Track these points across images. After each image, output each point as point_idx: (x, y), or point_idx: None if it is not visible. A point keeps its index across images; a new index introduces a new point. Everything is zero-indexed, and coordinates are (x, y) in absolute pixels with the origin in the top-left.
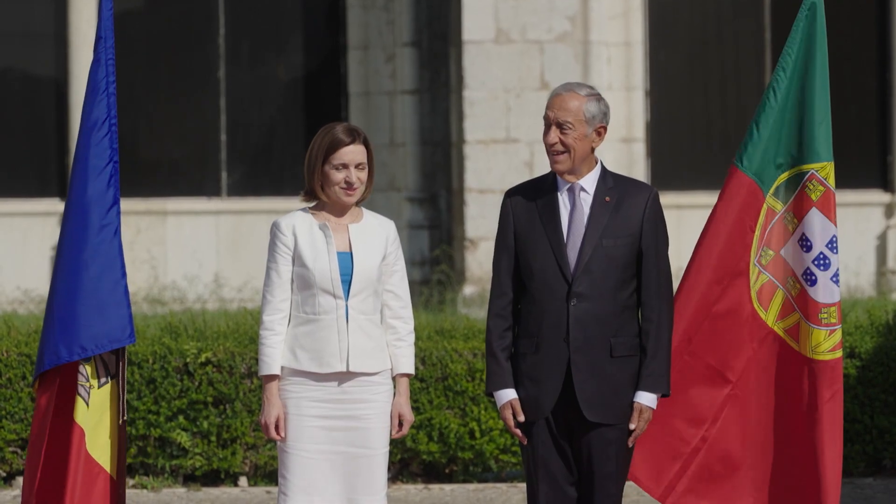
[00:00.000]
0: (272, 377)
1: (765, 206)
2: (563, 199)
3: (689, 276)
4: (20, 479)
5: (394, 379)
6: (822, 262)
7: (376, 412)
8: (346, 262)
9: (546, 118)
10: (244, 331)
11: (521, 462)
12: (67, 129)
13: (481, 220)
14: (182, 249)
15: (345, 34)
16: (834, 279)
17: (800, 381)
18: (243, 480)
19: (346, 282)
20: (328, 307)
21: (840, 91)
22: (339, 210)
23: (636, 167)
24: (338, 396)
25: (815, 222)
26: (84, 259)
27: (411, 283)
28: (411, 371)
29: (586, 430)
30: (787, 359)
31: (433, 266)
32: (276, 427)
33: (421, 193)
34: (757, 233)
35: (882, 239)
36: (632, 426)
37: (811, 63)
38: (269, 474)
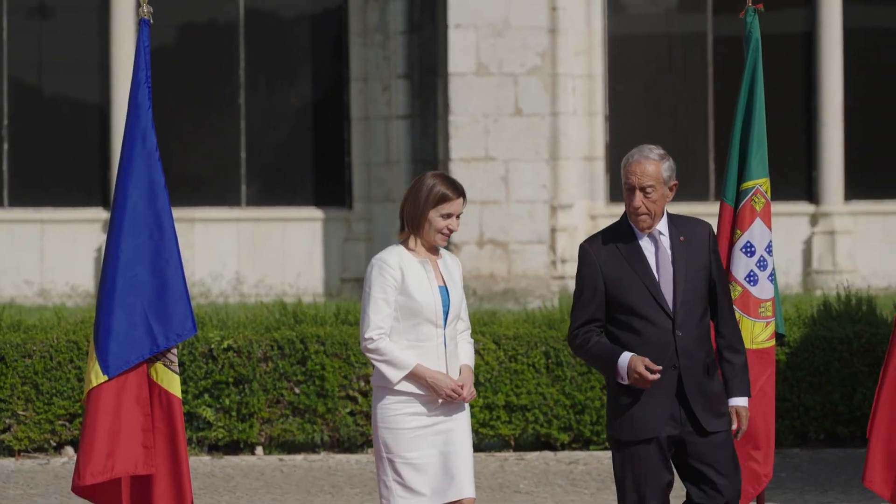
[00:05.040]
0: (415, 369)
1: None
2: (646, 244)
3: None
4: (69, 448)
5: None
6: (762, 263)
7: (464, 415)
8: (444, 295)
9: (629, 183)
10: (261, 321)
11: (613, 469)
12: (109, 148)
13: (464, 228)
14: (207, 252)
15: (347, 67)
16: (770, 278)
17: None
18: (259, 450)
19: (445, 312)
20: (430, 335)
21: (774, 116)
22: (429, 249)
23: (597, 182)
24: (434, 409)
25: (758, 230)
26: (164, 258)
27: None
28: (470, 363)
29: (698, 441)
30: None
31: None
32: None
33: None
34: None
35: (808, 244)
36: (735, 427)
37: (754, 95)
38: (281, 444)
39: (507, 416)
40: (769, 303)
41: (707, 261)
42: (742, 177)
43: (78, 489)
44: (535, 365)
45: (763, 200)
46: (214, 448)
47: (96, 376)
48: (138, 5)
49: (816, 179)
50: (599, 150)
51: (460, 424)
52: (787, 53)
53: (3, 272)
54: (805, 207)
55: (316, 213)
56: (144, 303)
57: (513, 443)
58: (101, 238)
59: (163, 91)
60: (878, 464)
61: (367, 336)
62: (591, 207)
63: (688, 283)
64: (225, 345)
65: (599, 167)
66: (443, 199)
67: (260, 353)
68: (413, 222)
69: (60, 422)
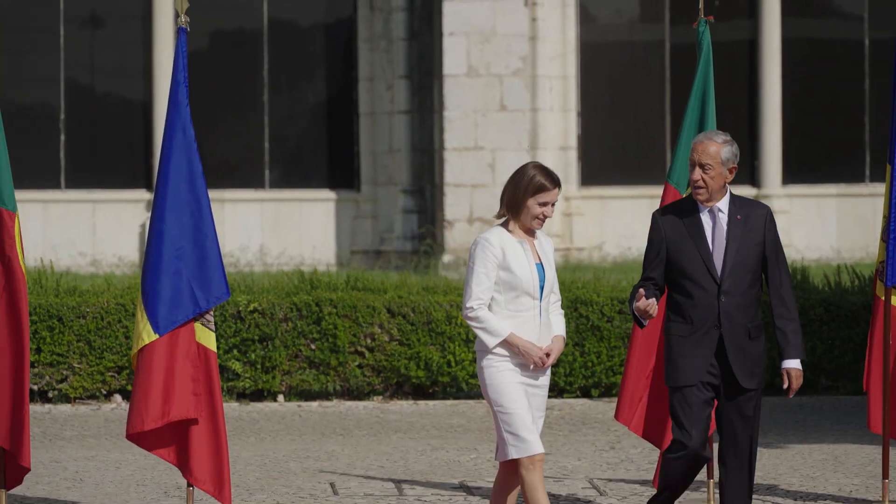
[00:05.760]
0: (508, 337)
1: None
2: (706, 218)
3: None
4: (118, 396)
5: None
6: None
7: (546, 384)
8: (541, 271)
9: (692, 159)
10: (282, 287)
11: (670, 407)
12: (151, 139)
13: (456, 207)
14: (236, 227)
15: (356, 69)
16: None
17: None
18: (280, 398)
19: (541, 286)
20: (528, 306)
21: (722, 113)
22: (525, 231)
23: (570, 168)
24: (525, 371)
25: None
26: (203, 233)
27: (405, 254)
28: (563, 333)
29: (733, 395)
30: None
31: (420, 240)
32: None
33: (412, 187)
34: None
35: None
36: (785, 386)
37: (706, 95)
38: (299, 393)
39: None
40: None
41: (762, 239)
42: None
43: (133, 436)
44: None
45: None
46: (242, 396)
47: (148, 335)
48: (177, 16)
49: (758, 167)
50: (572, 141)
51: (542, 392)
52: (734, 59)
53: (61, 245)
54: (749, 191)
55: (329, 194)
56: (188, 272)
57: None
58: (144, 216)
59: (198, 90)
60: (880, 410)
61: (468, 305)
62: (565, 190)
63: (738, 256)
64: (251, 307)
65: (572, 156)
66: (541, 189)
67: (281, 314)
68: (513, 207)
69: (110, 373)
